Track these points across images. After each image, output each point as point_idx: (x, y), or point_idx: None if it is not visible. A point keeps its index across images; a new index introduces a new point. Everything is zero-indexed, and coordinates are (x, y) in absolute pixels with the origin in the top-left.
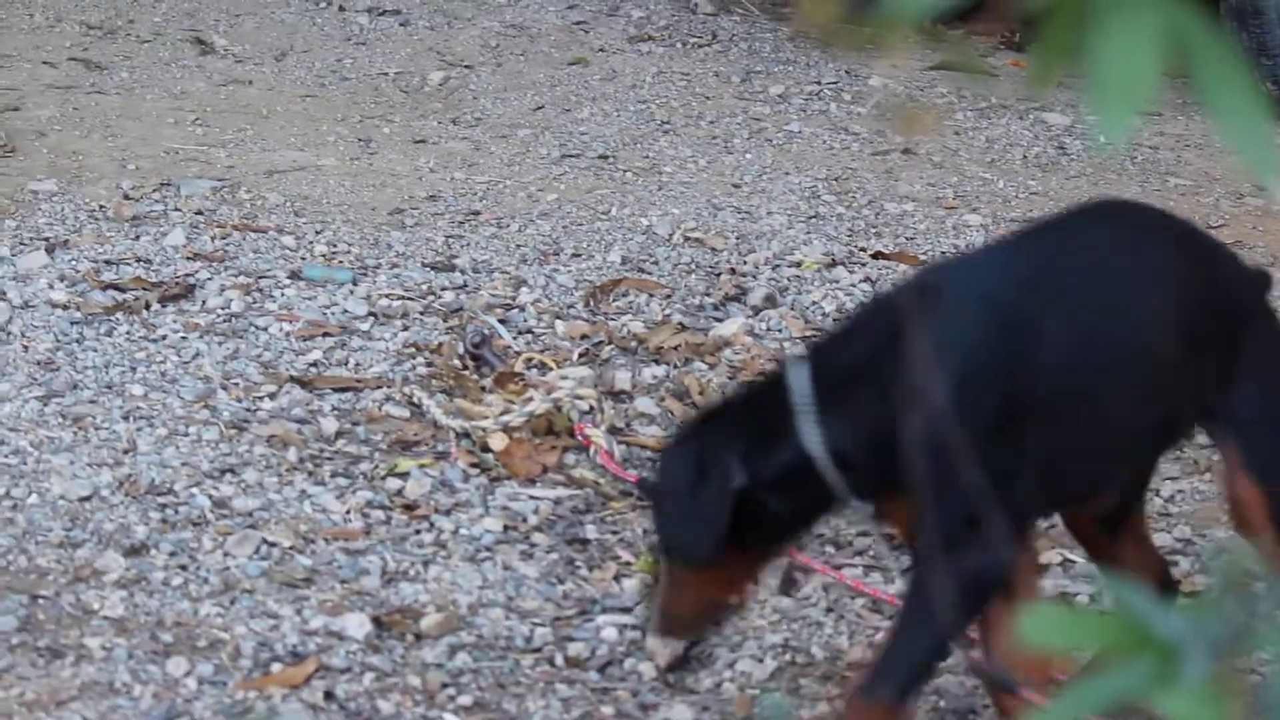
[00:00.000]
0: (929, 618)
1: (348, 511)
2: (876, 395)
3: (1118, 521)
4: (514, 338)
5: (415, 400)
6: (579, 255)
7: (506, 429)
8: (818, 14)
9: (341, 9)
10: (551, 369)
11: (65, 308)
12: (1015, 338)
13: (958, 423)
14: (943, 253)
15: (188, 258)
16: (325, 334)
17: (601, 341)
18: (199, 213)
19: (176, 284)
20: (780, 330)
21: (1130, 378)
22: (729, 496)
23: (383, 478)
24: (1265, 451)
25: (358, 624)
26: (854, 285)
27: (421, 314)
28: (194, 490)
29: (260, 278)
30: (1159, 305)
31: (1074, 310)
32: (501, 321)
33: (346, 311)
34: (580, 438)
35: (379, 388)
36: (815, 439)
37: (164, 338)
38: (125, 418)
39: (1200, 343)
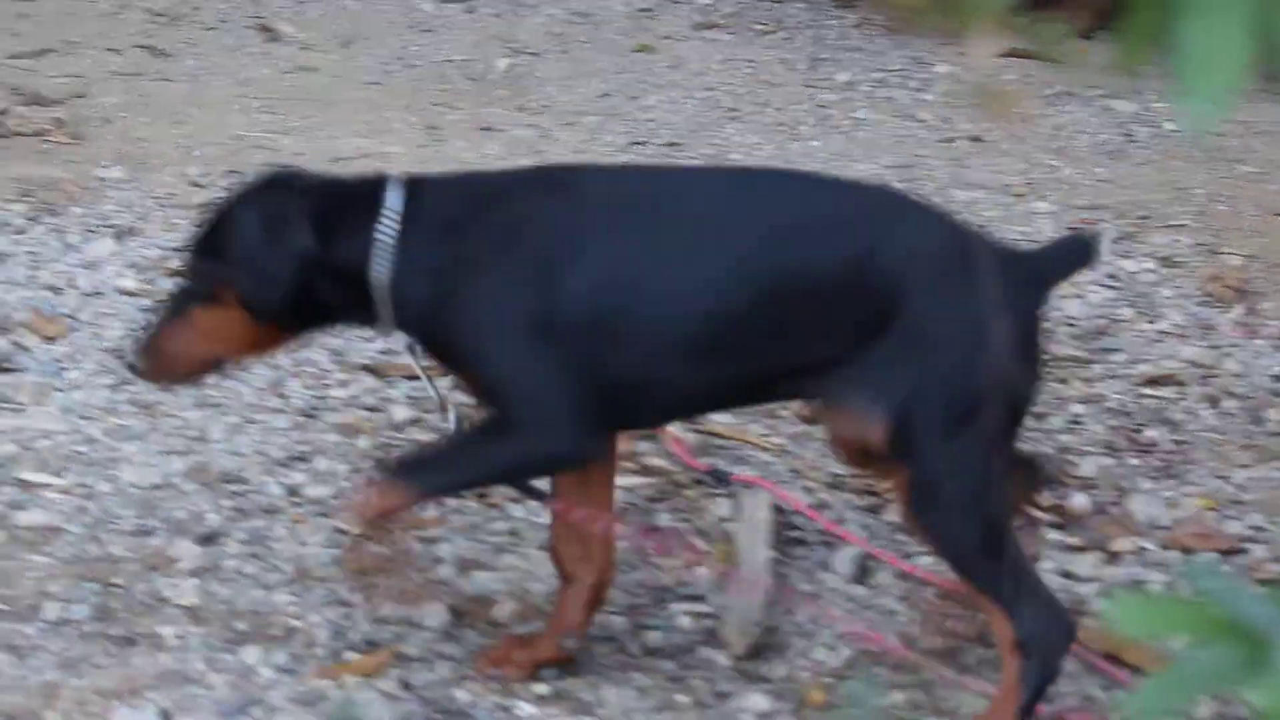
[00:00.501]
0: (481, 452)
1: None
2: (452, 259)
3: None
4: None
5: None
6: None
7: None
8: None
9: None
10: None
11: (134, 295)
12: (567, 253)
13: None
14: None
15: None
16: None
17: None
18: None
19: None
20: None
21: (681, 322)
22: (297, 258)
23: None
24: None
25: (433, 613)
26: None
27: None
28: (266, 478)
29: None
30: (739, 260)
31: (626, 241)
32: None
33: None
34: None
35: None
36: (384, 261)
37: None
38: (196, 406)
39: (806, 304)
